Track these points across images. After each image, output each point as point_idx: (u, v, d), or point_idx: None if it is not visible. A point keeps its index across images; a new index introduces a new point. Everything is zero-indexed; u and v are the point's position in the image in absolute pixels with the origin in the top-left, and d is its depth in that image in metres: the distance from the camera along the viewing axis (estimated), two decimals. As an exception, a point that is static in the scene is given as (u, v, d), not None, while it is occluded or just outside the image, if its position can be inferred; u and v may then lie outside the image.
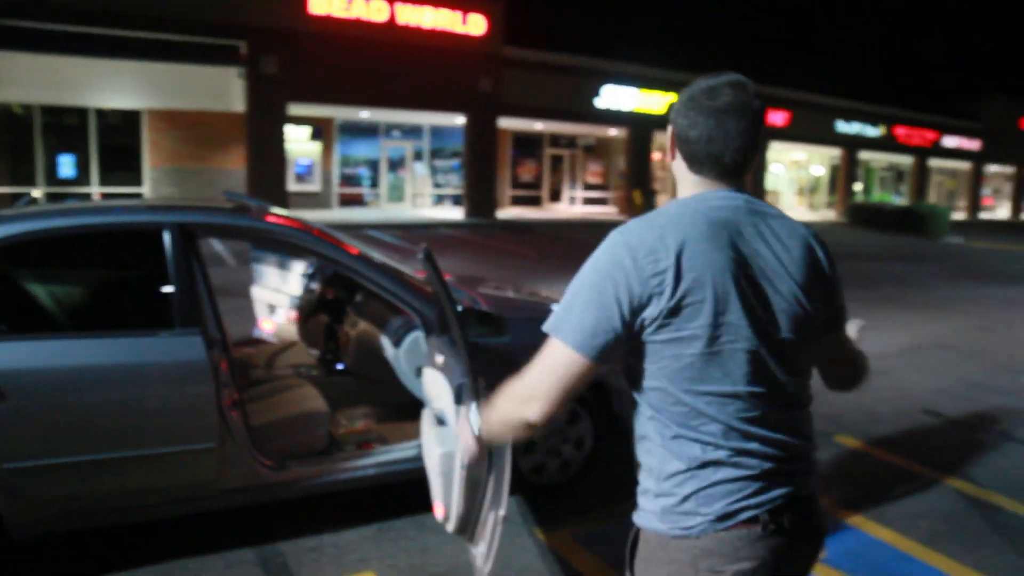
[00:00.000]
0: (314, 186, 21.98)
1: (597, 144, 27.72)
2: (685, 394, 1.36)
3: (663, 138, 27.01)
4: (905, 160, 35.38)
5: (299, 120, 20.62)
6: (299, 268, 4.95)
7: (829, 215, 32.70)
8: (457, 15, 20.05)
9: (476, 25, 20.41)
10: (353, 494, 3.46)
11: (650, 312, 1.33)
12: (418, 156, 23.97)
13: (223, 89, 19.19)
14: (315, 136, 21.66)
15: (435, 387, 2.86)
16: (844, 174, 32.44)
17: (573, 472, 3.73)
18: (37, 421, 2.68)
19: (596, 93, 23.54)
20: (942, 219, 24.59)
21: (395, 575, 3.00)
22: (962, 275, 14.67)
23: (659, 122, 24.94)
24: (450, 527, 2.57)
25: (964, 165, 38.23)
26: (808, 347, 1.46)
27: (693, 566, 1.37)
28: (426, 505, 3.50)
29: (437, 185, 24.46)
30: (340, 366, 4.31)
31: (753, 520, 1.36)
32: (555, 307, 1.43)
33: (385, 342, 3.59)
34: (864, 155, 33.27)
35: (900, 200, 35.41)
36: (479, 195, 21.73)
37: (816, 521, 1.48)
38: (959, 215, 35.97)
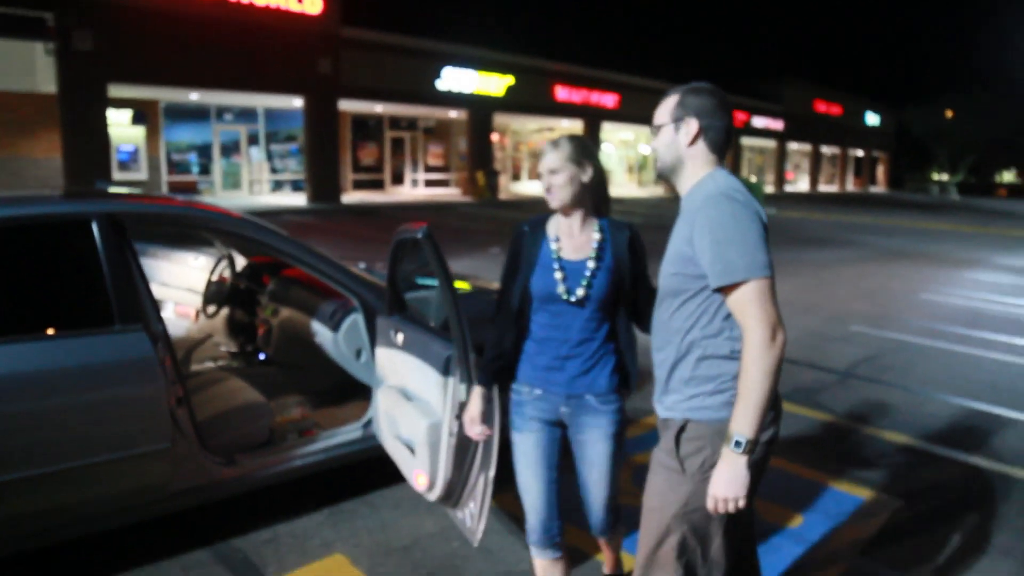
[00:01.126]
0: (140, 174, 20.39)
1: (437, 126, 27.73)
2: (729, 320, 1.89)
3: (503, 120, 27.56)
4: (721, 139, 38.25)
5: (119, 103, 19.02)
6: (188, 260, 4.71)
7: (658, 191, 34.77)
8: (292, -8, 19.28)
9: (312, 4, 19.72)
10: (295, 483, 3.40)
11: None
12: (253, 140, 22.87)
13: (27, 67, 17.30)
14: (137, 120, 20.06)
15: (394, 365, 2.90)
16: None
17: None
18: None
19: (437, 75, 23.53)
20: (759, 192, 26.95)
21: (363, 554, 3.01)
22: (783, 242, 16.23)
23: (499, 104, 25.39)
24: (433, 495, 2.63)
25: (770, 143, 41.96)
26: None
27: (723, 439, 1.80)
28: (372, 484, 3.54)
29: (275, 170, 23.48)
30: (261, 356, 4.17)
31: None
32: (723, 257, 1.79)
33: (318, 327, 3.54)
34: (685, 134, 35.56)
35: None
36: (322, 180, 21.12)
37: None
38: (768, 188, 39.54)
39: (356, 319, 3.37)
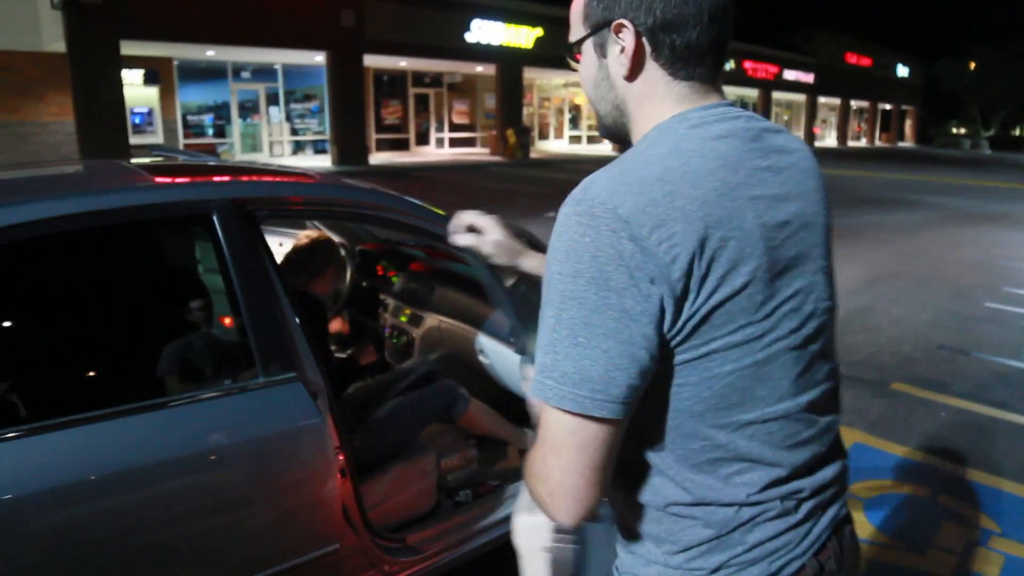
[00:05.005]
0: (156, 137, 19.35)
1: (463, 82, 26.44)
2: (715, 430, 0.93)
3: (529, 75, 26.25)
4: (751, 93, 36.78)
5: (131, 61, 17.89)
6: (273, 246, 3.76)
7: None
8: (313, -61, 17.97)
9: (334, -49, 18.42)
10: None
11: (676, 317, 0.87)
12: (272, 100, 21.72)
13: (31, 24, 16.20)
14: (149, 80, 18.94)
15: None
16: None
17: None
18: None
19: (467, 27, 22.21)
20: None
21: None
22: (845, 203, 15.17)
23: (528, 58, 24.08)
24: None
25: (799, 97, 40.42)
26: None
27: None
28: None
29: (295, 131, 22.37)
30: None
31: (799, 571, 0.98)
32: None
33: (488, 344, 2.61)
34: (715, 89, 34.20)
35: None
36: (348, 141, 20.01)
37: (856, 545, 1.10)
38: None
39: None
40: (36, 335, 1.77)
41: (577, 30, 1.06)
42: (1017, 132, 68.64)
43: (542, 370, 0.87)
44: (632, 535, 1.02)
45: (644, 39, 0.96)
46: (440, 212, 2.25)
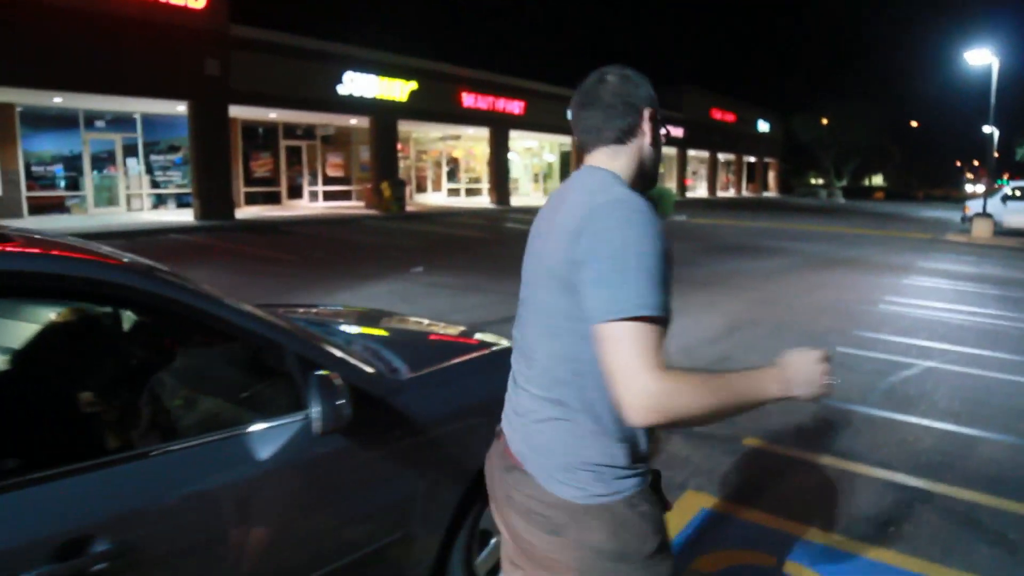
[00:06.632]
0: (-7, 189, 17.78)
1: (337, 134, 26.00)
2: None
3: (405, 128, 26.14)
4: (624, 146, 38.11)
5: (-37, 107, 16.49)
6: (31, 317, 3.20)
7: (564, 200, 34.21)
8: (171, -16, 17.23)
9: (195, -3, 17.73)
10: None
11: None
12: (131, 151, 20.50)
13: None
14: (-14, 127, 17.49)
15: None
16: (576, 160, 34.06)
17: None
18: None
19: (339, 80, 21.87)
20: (670, 199, 26.69)
21: None
22: (710, 250, 15.68)
23: (403, 110, 23.97)
24: None
25: (671, 151, 42.29)
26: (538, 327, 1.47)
27: None
28: None
29: (156, 184, 21.16)
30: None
31: None
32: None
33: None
34: (590, 142, 35.18)
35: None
36: (212, 194, 19.06)
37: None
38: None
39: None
40: None
41: None
42: (867, 182, 74.63)
43: None
44: None
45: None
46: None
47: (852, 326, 8.07)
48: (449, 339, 3.52)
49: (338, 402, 1.93)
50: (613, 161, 1.50)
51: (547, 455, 1.42)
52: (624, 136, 1.50)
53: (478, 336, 3.56)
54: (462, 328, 3.86)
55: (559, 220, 1.40)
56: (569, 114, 1.54)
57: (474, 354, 3.05)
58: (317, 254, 13.53)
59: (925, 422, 4.97)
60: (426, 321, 4.05)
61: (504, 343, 3.28)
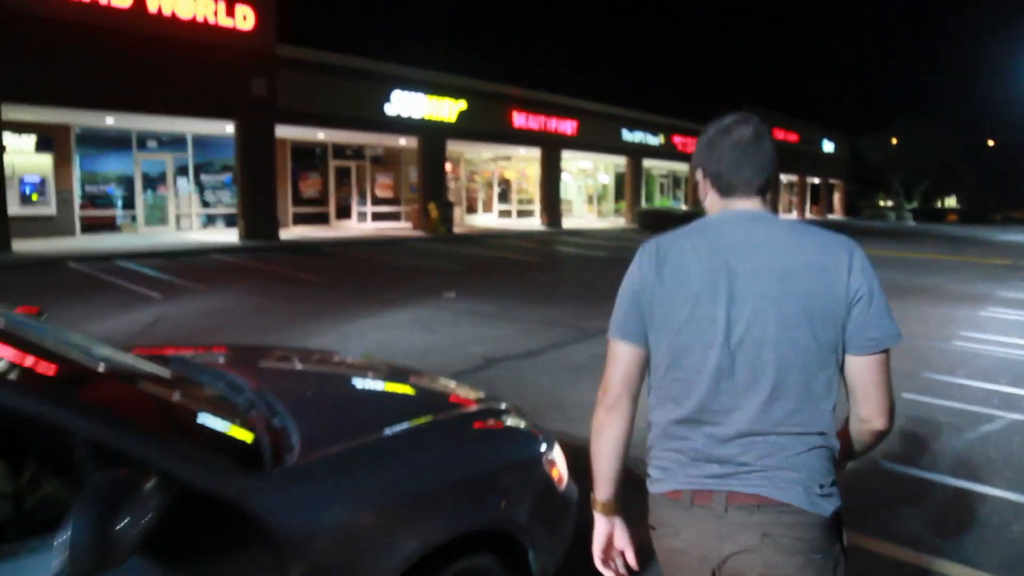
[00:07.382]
0: (48, 209, 18.06)
1: (386, 154, 25.86)
2: None
3: (456, 148, 25.81)
4: (682, 167, 37.19)
5: (20, 126, 16.75)
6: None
7: (619, 221, 33.36)
8: (220, 5, 17.25)
9: (244, 19, 17.76)
10: None
11: None
12: (182, 171, 20.66)
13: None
14: (42, 147, 17.77)
15: None
16: (631, 181, 33.23)
17: None
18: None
19: (386, 99, 21.69)
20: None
21: None
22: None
23: (451, 130, 23.66)
24: None
25: (728, 170, 41.06)
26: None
27: None
28: None
29: (206, 204, 21.28)
30: None
31: None
32: None
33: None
34: (646, 163, 34.41)
35: (680, 205, 37.15)
36: (257, 214, 19.00)
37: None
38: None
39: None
40: None
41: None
42: (939, 204, 71.48)
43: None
44: None
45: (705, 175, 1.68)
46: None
47: (921, 367, 7.14)
48: (410, 396, 2.90)
49: (115, 527, 1.29)
50: (764, 208, 1.64)
51: (809, 481, 1.50)
52: (769, 192, 1.67)
53: (468, 394, 2.93)
54: (448, 382, 3.23)
55: (805, 260, 1.53)
56: (702, 149, 1.65)
57: (430, 421, 2.43)
58: (350, 277, 13.13)
59: (1013, 496, 4.11)
60: (406, 369, 3.45)
61: (498, 406, 2.66)
